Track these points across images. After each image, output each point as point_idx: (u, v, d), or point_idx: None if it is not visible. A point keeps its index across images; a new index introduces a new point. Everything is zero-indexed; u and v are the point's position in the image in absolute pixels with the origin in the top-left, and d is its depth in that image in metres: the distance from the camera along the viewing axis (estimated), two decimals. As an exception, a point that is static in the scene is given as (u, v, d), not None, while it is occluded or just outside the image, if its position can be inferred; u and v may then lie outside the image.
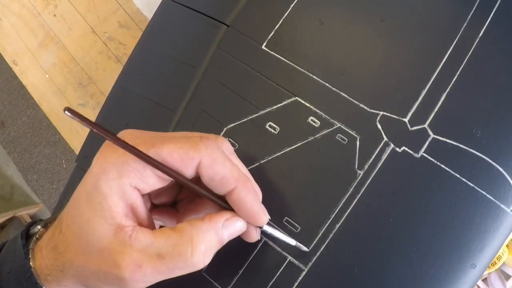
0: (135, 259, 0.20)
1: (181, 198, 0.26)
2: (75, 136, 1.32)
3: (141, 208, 0.22)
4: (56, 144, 1.36)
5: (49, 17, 1.35)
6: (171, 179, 0.22)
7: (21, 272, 0.23)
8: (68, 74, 1.32)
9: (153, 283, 0.21)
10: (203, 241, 0.21)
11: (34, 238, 0.25)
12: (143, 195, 0.23)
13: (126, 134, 0.22)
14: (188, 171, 0.22)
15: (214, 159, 0.22)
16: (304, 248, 0.27)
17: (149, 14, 1.22)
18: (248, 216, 0.23)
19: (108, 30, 1.26)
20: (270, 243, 0.28)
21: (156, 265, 0.20)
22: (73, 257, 0.22)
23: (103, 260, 0.21)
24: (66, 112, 0.19)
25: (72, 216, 0.22)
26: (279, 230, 0.26)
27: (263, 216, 0.23)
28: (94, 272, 0.21)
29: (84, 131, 1.28)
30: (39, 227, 0.26)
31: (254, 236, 0.24)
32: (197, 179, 0.23)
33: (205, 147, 0.22)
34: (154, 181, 0.22)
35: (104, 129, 0.20)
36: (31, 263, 0.23)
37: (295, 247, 0.27)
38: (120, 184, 0.21)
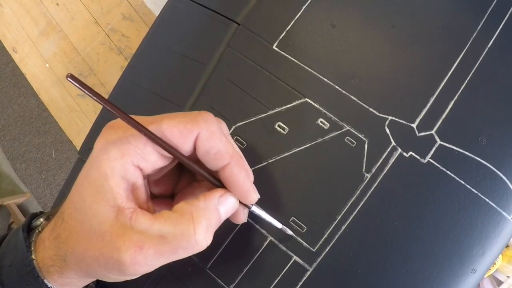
0: (136, 241, 0.20)
1: (179, 190, 0.26)
2: (74, 127, 1.31)
3: (142, 191, 0.22)
4: (46, 134, 1.35)
5: (51, 6, 1.34)
6: (172, 157, 0.22)
7: (23, 265, 0.23)
8: (69, 64, 1.31)
9: (155, 267, 0.21)
10: (204, 218, 0.21)
11: (37, 230, 0.25)
12: (143, 178, 0.23)
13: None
14: (187, 145, 0.22)
15: (212, 133, 0.22)
16: (290, 232, 0.28)
17: (153, 7, 1.22)
18: (240, 193, 0.23)
19: (111, 22, 1.26)
20: (276, 242, 0.28)
21: (158, 246, 0.20)
22: (75, 244, 0.21)
23: (104, 244, 0.20)
24: (68, 78, 0.19)
25: (74, 202, 0.22)
26: (266, 212, 0.26)
27: (254, 194, 0.23)
28: (95, 258, 0.21)
29: (84, 122, 1.28)
30: (41, 219, 0.26)
31: (241, 216, 0.24)
32: (195, 160, 0.23)
33: (204, 120, 0.22)
34: (155, 157, 0.22)
35: (105, 98, 0.20)
36: (33, 256, 0.23)
37: (299, 247, 0.28)
38: (122, 163, 0.21)
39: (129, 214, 0.21)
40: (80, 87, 0.19)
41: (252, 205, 0.24)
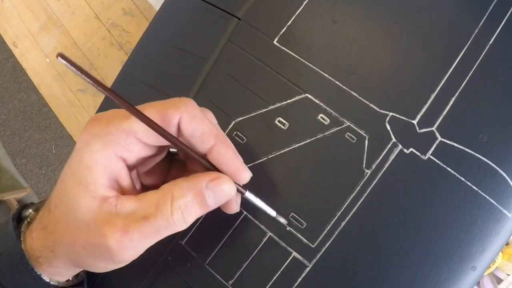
0: (121, 225, 0.20)
1: (171, 179, 0.26)
2: (74, 122, 1.31)
3: (127, 181, 0.22)
4: (46, 129, 1.35)
5: (52, 0, 1.34)
6: (155, 146, 0.22)
7: (13, 253, 0.23)
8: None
9: (142, 250, 0.21)
10: (182, 198, 0.21)
11: (25, 221, 0.25)
12: (131, 170, 0.23)
13: (110, 111, 0.22)
14: (171, 131, 0.22)
15: (194, 115, 0.22)
16: (282, 220, 0.27)
17: (154, 2, 1.21)
18: (231, 172, 0.22)
19: (112, 17, 1.25)
20: (275, 237, 0.28)
21: (141, 227, 0.20)
22: (62, 235, 0.22)
23: (90, 232, 0.20)
24: (59, 57, 0.18)
25: (59, 194, 0.22)
26: (260, 199, 0.25)
27: (246, 172, 0.23)
28: (83, 247, 0.21)
29: (84, 117, 1.28)
30: (30, 210, 0.26)
31: (234, 205, 0.24)
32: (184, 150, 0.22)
33: (184, 104, 0.22)
34: (138, 148, 0.22)
35: (96, 79, 0.19)
36: (22, 246, 0.23)
37: (299, 243, 0.28)
38: (105, 155, 0.21)
39: (114, 201, 0.21)
40: (71, 66, 0.18)
41: (246, 190, 0.24)
